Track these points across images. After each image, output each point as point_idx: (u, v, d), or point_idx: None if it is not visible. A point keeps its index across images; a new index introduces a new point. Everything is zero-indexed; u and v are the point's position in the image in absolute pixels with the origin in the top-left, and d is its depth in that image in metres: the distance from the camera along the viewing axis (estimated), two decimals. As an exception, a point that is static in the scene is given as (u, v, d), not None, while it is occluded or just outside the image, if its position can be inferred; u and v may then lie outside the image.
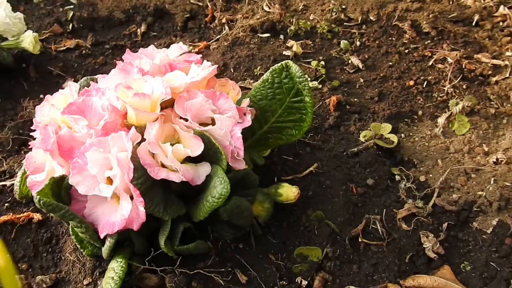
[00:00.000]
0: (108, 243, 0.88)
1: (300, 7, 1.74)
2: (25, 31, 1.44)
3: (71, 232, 0.92)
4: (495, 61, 1.45)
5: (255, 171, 0.97)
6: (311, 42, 1.60)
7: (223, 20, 1.75)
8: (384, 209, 1.06)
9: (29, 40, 1.40)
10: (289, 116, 1.02)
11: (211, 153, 0.89)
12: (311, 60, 1.49)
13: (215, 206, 0.85)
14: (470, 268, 0.98)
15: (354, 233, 1.01)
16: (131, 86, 0.87)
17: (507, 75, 1.42)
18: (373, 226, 1.03)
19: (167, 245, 0.89)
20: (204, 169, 0.89)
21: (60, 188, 0.87)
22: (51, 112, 0.93)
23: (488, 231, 1.04)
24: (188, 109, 0.88)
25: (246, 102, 0.96)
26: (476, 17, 1.64)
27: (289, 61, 0.97)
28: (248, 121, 0.92)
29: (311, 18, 1.68)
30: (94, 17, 1.79)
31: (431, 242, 0.99)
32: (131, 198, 0.83)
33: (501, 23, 1.65)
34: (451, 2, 1.71)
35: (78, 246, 0.94)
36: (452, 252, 1.02)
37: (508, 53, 1.50)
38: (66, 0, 1.92)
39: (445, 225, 1.04)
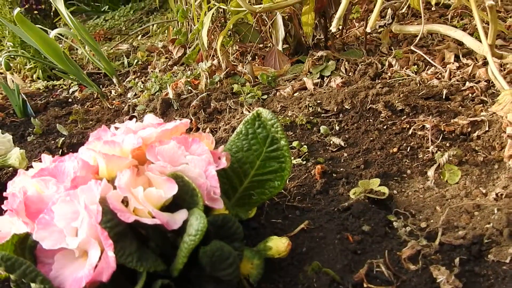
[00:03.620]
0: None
1: (279, 108, 1.83)
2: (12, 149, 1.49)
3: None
4: (472, 119, 1.48)
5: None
6: (292, 133, 1.65)
7: (207, 130, 1.83)
8: (387, 252, 0.96)
9: (15, 156, 1.44)
10: (269, 167, 1.00)
11: (187, 198, 0.85)
12: (292, 140, 1.51)
13: (193, 246, 0.78)
14: (497, 302, 0.86)
15: (357, 279, 0.90)
16: (101, 137, 0.88)
17: (487, 129, 1.43)
18: (377, 269, 0.92)
19: (143, 302, 0.79)
20: (181, 215, 0.84)
21: (24, 250, 0.81)
22: (22, 180, 0.91)
23: (507, 261, 0.93)
24: (160, 154, 0.87)
25: (221, 148, 0.95)
26: (445, 92, 1.72)
27: (260, 108, 0.99)
28: (223, 163, 0.90)
29: (289, 114, 1.76)
30: (83, 142, 1.86)
31: (444, 274, 0.88)
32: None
33: (470, 95, 1.72)
34: (418, 84, 1.81)
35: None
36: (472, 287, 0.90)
37: (483, 113, 1.54)
38: (58, 133, 2.03)
39: (457, 260, 0.94)
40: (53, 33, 2.46)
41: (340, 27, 2.48)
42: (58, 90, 2.88)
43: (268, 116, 0.96)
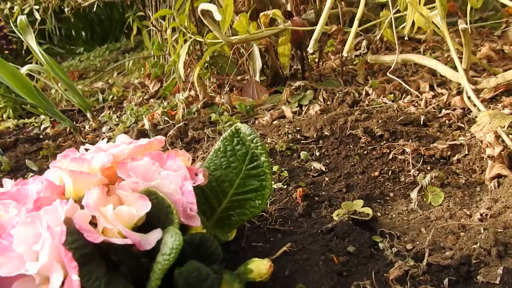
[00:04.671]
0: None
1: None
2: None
3: None
4: (451, 142, 1.47)
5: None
6: (272, 159, 1.61)
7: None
8: (374, 273, 0.91)
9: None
10: (249, 185, 0.96)
11: (162, 217, 0.79)
12: (271, 166, 1.47)
13: (167, 265, 0.71)
14: (490, 321, 0.81)
15: (344, 302, 0.84)
16: (68, 155, 0.82)
17: (467, 152, 1.43)
18: (364, 291, 0.87)
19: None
20: (155, 235, 0.78)
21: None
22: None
23: (497, 282, 0.89)
24: (132, 170, 0.81)
25: (198, 164, 0.90)
26: (422, 118, 1.72)
27: (238, 124, 0.96)
28: (200, 179, 0.85)
29: (269, 141, 1.73)
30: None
31: (434, 294, 0.83)
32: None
33: (447, 122, 1.73)
34: (396, 111, 1.82)
35: None
36: (464, 309, 0.85)
37: (461, 138, 1.54)
38: (28, 169, 1.95)
39: (446, 281, 0.89)
40: (24, 69, 2.41)
41: (317, 60, 2.51)
42: (29, 128, 2.79)
43: (247, 132, 0.93)
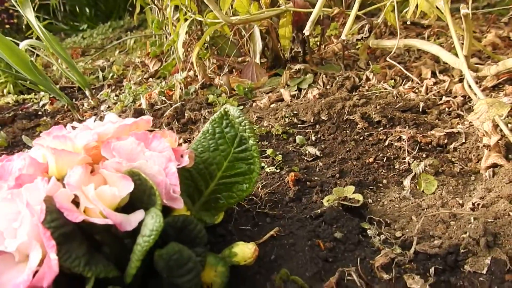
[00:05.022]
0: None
1: (255, 118, 1.79)
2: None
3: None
4: (448, 130, 1.45)
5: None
6: (267, 143, 1.60)
7: (181, 141, 1.76)
8: (359, 260, 0.90)
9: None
10: (237, 168, 0.95)
11: (144, 198, 0.79)
12: (266, 149, 1.46)
13: (147, 247, 0.70)
14: (474, 312, 0.80)
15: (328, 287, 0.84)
16: (52, 132, 0.81)
17: (464, 141, 1.41)
18: (348, 278, 0.86)
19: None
20: (137, 216, 0.77)
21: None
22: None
23: (484, 272, 0.88)
24: (116, 150, 0.80)
25: (184, 146, 0.89)
26: (422, 105, 1.70)
27: (227, 106, 0.94)
28: (186, 161, 0.84)
29: (265, 124, 1.71)
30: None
31: (418, 283, 0.82)
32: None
33: (447, 109, 1.70)
34: (395, 97, 1.79)
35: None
36: (448, 298, 0.84)
37: (459, 126, 1.51)
38: (25, 145, 1.94)
39: (432, 270, 0.88)
40: (22, 44, 2.38)
41: (318, 43, 2.47)
42: (28, 104, 2.78)
43: (235, 114, 0.91)
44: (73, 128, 0.95)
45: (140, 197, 0.79)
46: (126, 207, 0.81)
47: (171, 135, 0.91)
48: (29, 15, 2.22)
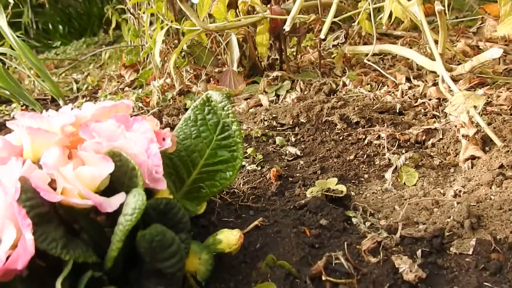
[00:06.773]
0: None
1: (233, 123, 1.77)
2: None
3: None
4: (426, 127, 1.47)
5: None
6: (247, 145, 1.58)
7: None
8: (346, 245, 0.89)
9: None
10: (220, 156, 0.93)
11: (126, 181, 0.76)
12: (246, 151, 1.44)
13: (129, 227, 0.67)
14: (463, 291, 0.79)
15: (315, 272, 0.82)
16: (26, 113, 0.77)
17: (441, 137, 1.43)
18: (336, 261, 0.84)
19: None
20: (118, 198, 0.74)
21: None
22: None
23: (470, 252, 0.88)
24: (95, 131, 0.77)
25: (167, 130, 0.87)
26: (398, 107, 1.72)
27: (209, 91, 0.93)
28: (168, 143, 0.82)
29: (244, 128, 1.70)
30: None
31: (406, 263, 0.81)
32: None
33: (422, 110, 1.73)
34: (372, 100, 1.81)
35: None
36: (436, 279, 0.83)
37: (436, 124, 1.54)
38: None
39: (419, 252, 0.88)
40: (-5, 52, 2.33)
41: (295, 53, 2.50)
42: (-1, 115, 2.70)
43: (218, 99, 0.90)
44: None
45: (121, 179, 0.76)
46: (106, 192, 0.77)
47: (152, 120, 0.88)
48: (1, 22, 2.18)
